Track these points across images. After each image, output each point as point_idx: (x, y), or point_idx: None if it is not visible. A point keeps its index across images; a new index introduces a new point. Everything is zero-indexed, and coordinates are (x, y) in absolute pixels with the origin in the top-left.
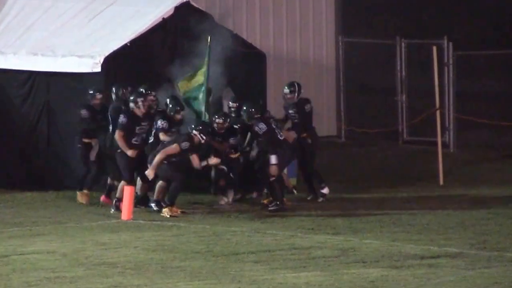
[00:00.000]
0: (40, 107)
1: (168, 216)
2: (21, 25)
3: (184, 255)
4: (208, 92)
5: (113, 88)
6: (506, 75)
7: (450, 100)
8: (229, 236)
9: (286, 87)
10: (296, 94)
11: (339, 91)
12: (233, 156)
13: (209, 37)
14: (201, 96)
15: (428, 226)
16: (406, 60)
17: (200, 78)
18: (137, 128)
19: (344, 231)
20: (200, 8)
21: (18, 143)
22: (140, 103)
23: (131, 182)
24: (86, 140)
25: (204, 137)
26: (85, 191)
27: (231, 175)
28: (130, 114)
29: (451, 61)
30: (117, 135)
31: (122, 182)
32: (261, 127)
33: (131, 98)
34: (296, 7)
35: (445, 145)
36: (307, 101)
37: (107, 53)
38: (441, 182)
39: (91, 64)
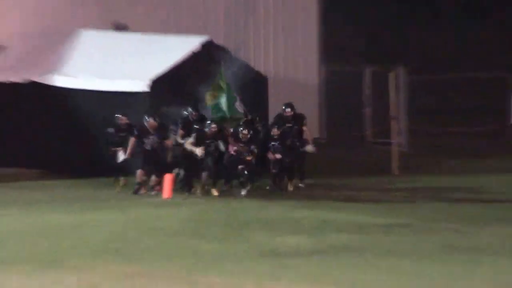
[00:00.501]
0: (101, 117)
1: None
2: (88, 55)
3: (208, 224)
4: (232, 98)
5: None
6: (448, 94)
7: (401, 113)
8: (241, 211)
9: (284, 106)
10: (292, 111)
11: (321, 106)
12: (248, 158)
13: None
14: (223, 101)
15: (386, 204)
16: (371, 83)
17: (222, 85)
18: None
19: (325, 208)
20: (219, 44)
21: (89, 143)
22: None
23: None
24: (113, 149)
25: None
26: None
27: (246, 172)
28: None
29: (402, 85)
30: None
31: (139, 171)
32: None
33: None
34: (289, 43)
35: (400, 146)
36: (302, 116)
37: (153, 77)
38: (395, 171)
39: (142, 85)
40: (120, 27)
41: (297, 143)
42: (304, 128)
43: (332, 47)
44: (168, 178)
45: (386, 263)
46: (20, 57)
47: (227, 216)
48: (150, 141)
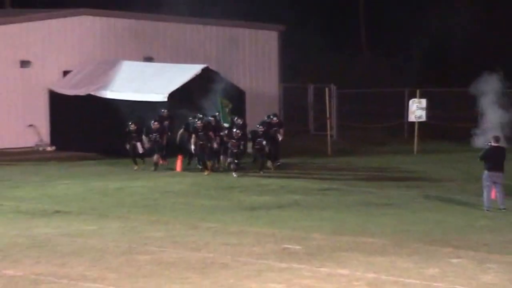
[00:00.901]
0: (137, 119)
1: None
2: (126, 77)
3: (205, 188)
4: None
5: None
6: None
7: (334, 115)
8: (228, 180)
9: (272, 115)
10: (278, 119)
11: (280, 110)
12: (236, 151)
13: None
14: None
15: (323, 175)
16: (313, 95)
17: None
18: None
19: (283, 177)
20: (213, 69)
21: (126, 135)
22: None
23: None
24: (133, 142)
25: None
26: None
27: (236, 161)
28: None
29: (334, 96)
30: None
31: (155, 155)
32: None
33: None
34: (258, 67)
35: (332, 136)
36: (282, 122)
37: (170, 91)
38: (329, 153)
39: (162, 97)
40: (147, 59)
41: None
42: (282, 130)
43: (287, 69)
44: (180, 159)
45: (321, 214)
46: (81, 78)
47: (217, 183)
48: (153, 136)
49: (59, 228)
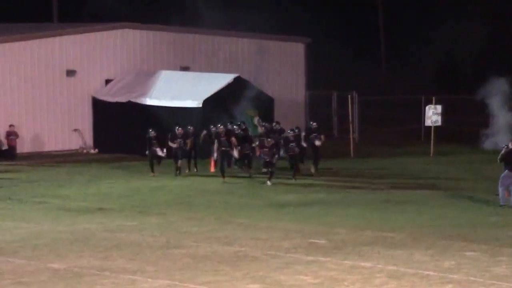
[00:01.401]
0: (172, 123)
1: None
2: (164, 86)
3: (236, 187)
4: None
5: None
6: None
7: (356, 120)
8: (257, 180)
9: (312, 122)
10: (317, 125)
11: (306, 116)
12: (268, 160)
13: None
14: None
15: (346, 174)
16: (336, 102)
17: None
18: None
19: (308, 177)
20: (244, 78)
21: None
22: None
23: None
24: (171, 144)
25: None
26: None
27: (270, 169)
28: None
29: (356, 102)
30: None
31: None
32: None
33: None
34: (287, 76)
35: (354, 139)
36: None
37: (204, 98)
38: (352, 155)
39: (195, 103)
40: (184, 68)
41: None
42: (322, 136)
43: (313, 79)
44: (212, 160)
45: (345, 211)
46: (122, 86)
47: (248, 182)
48: (178, 142)
49: (102, 224)
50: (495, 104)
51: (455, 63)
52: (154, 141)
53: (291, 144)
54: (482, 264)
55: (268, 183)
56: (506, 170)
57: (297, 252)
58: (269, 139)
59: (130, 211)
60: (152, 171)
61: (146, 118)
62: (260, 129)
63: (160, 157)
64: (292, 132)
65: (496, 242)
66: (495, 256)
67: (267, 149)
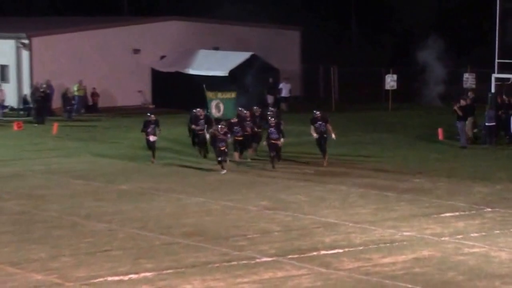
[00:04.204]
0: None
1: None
2: (201, 61)
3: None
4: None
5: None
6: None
7: (336, 85)
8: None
9: (315, 111)
10: (320, 114)
11: (301, 87)
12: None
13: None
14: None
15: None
16: (322, 72)
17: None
18: None
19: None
20: (257, 54)
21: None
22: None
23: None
24: (193, 127)
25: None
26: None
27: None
28: None
29: (336, 72)
30: None
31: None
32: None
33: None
34: (287, 53)
35: (335, 98)
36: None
37: (230, 69)
38: (333, 110)
39: (223, 72)
40: (215, 48)
41: (325, 135)
42: (328, 124)
43: (305, 55)
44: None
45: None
46: (172, 60)
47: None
48: (201, 123)
49: (160, 159)
50: (430, 61)
51: (407, 41)
52: (152, 126)
53: (271, 129)
54: (426, 187)
55: (222, 172)
56: (462, 121)
57: (294, 179)
58: (221, 126)
59: (172, 150)
60: (153, 156)
61: (189, 83)
62: (215, 113)
63: (153, 143)
64: (272, 118)
65: (435, 172)
66: (435, 181)
67: (222, 134)
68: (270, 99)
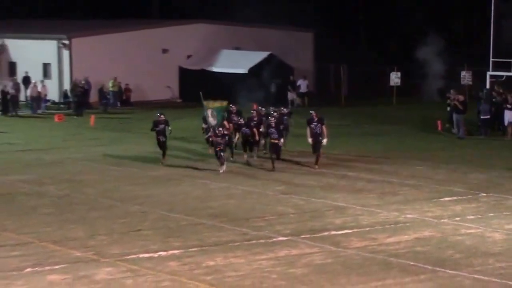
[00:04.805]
0: (229, 81)
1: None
2: (223, 60)
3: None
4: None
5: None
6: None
7: (345, 82)
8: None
9: (311, 111)
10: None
11: (314, 83)
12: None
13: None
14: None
15: (336, 114)
16: (333, 71)
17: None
18: None
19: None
20: (274, 54)
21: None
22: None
23: None
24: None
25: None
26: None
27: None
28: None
29: (346, 71)
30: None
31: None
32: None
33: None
34: (302, 54)
35: (344, 94)
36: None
37: (250, 67)
38: (343, 104)
39: (243, 70)
40: (236, 48)
41: (320, 138)
42: (324, 126)
43: (317, 55)
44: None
45: (337, 139)
46: (197, 59)
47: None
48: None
49: (178, 150)
50: (429, 59)
51: (409, 42)
52: (162, 126)
53: (271, 129)
54: (427, 174)
55: (221, 170)
56: (462, 115)
57: (307, 166)
58: (220, 128)
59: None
60: (164, 156)
61: (213, 79)
62: (212, 121)
63: (163, 143)
64: (272, 117)
65: (435, 160)
66: (435, 169)
67: (219, 138)
68: (290, 96)
